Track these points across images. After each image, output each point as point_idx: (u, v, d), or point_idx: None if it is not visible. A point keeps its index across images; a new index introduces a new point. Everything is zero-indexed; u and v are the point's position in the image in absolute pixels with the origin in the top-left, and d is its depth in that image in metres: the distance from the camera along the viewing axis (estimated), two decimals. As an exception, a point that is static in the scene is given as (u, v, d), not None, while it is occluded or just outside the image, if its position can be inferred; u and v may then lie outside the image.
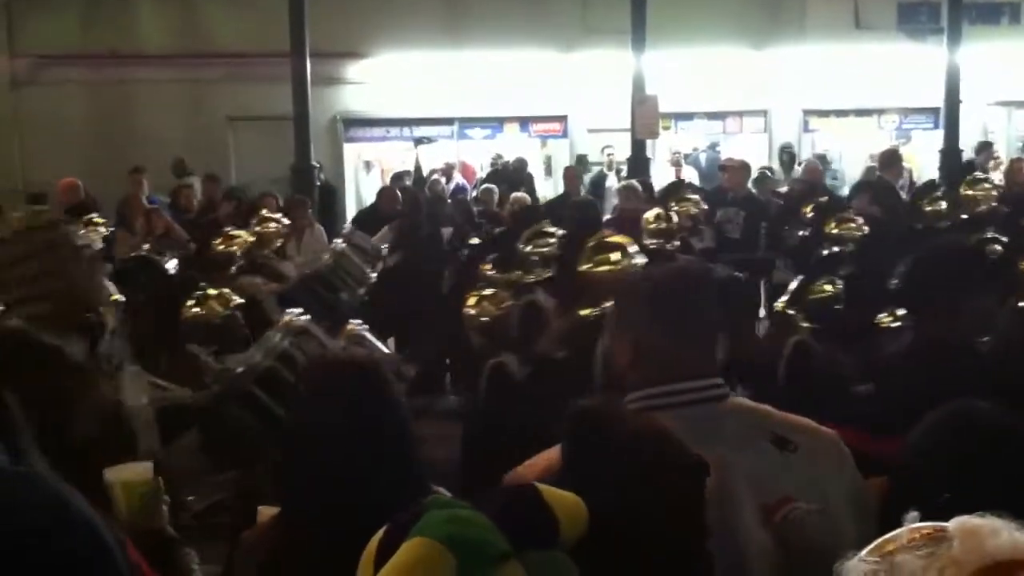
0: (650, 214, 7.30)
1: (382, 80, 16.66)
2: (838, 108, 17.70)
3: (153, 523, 2.44)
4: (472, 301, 4.95)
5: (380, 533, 1.26)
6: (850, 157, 17.49)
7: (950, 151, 14.22)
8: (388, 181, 14.37)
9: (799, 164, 13.29)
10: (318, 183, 13.37)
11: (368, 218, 10.24)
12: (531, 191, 13.11)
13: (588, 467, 1.39)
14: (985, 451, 1.92)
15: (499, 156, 16.37)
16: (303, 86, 13.04)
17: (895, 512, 1.13)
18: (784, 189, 11.51)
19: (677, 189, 9.95)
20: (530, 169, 15.69)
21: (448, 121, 17.32)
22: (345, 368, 2.10)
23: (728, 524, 2.02)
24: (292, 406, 2.09)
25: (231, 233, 7.13)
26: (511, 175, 14.42)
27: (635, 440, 1.62)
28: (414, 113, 17.01)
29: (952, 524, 1.03)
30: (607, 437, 1.59)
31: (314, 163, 13.39)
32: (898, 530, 1.07)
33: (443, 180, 13.63)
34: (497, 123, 17.53)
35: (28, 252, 3.12)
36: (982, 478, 1.78)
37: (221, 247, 6.91)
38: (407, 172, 14.76)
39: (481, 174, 16.16)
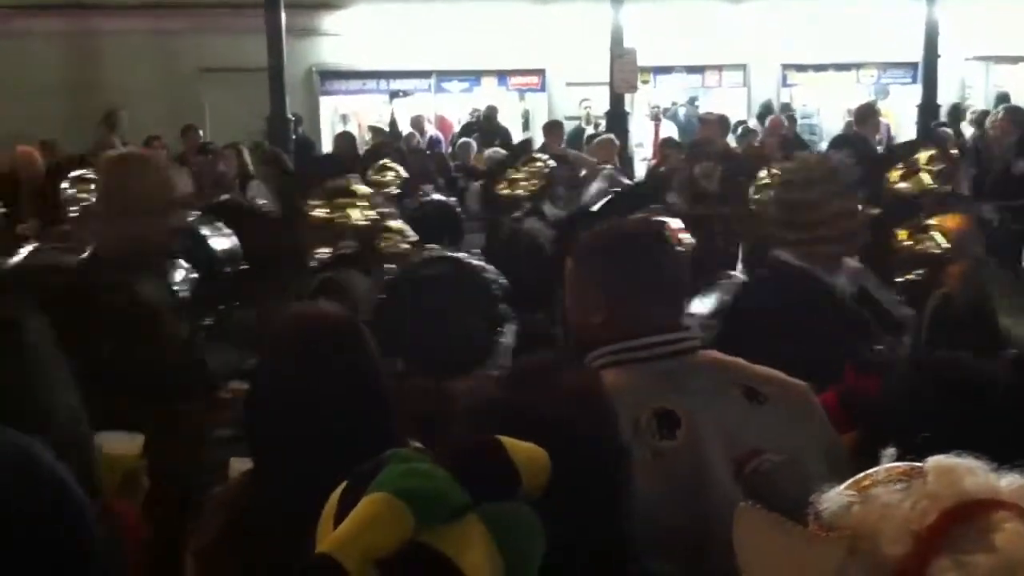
0: (923, 155, 7.24)
1: (358, 32, 16.49)
2: (817, 63, 17.67)
3: (131, 500, 2.42)
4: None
5: (340, 488, 1.26)
6: (828, 112, 17.49)
7: (927, 106, 14.23)
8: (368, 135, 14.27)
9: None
10: (294, 136, 13.27)
11: (329, 165, 10.26)
12: (506, 143, 13.04)
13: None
14: (961, 397, 1.93)
15: (477, 111, 16.28)
16: (277, 37, 12.91)
17: (869, 455, 1.12)
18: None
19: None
20: (508, 123, 15.59)
21: (425, 74, 17.18)
22: (322, 323, 2.07)
23: (700, 477, 2.03)
24: (266, 361, 2.05)
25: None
26: (484, 127, 14.31)
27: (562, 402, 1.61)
28: (391, 66, 16.86)
29: (928, 462, 1.02)
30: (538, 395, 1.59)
31: (290, 115, 13.28)
32: (875, 468, 1.07)
33: (417, 135, 13.55)
34: (475, 76, 17.42)
35: (832, 190, 3.19)
36: (957, 424, 1.79)
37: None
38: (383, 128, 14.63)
39: (458, 128, 16.06)
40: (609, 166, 7.89)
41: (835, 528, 1.02)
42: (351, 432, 1.84)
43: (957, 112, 13.36)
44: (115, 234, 3.19)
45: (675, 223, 5.21)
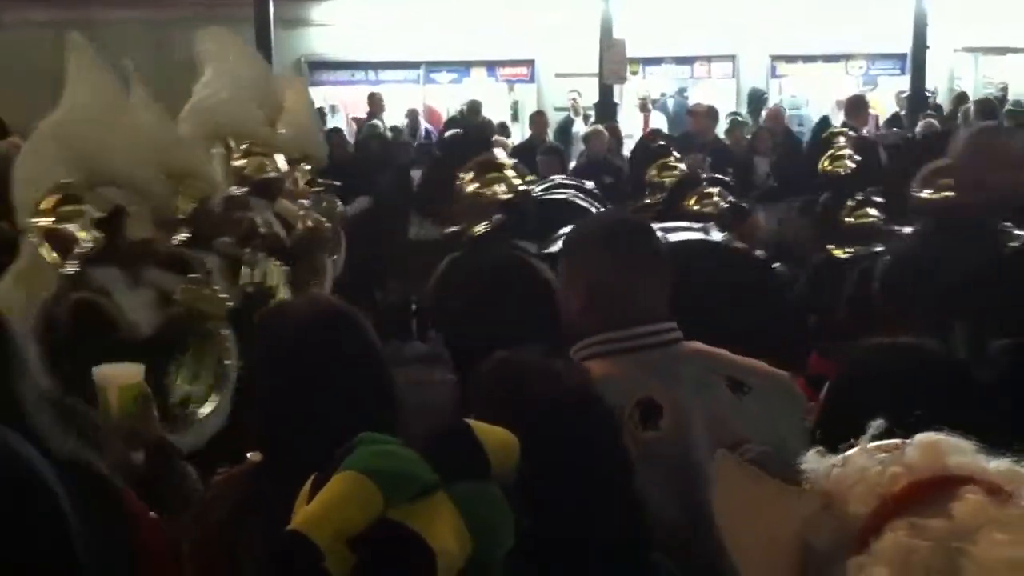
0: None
1: (347, 22, 16.44)
2: (806, 54, 17.67)
3: (145, 427, 2.47)
4: None
5: (313, 475, 1.28)
6: (817, 104, 17.49)
7: (916, 97, 14.26)
8: (353, 126, 14.21)
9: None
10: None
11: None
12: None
13: (502, 420, 1.39)
14: (921, 379, 1.96)
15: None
16: (266, 27, 12.89)
17: (826, 430, 1.14)
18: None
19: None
20: (497, 114, 15.53)
21: (414, 65, 17.13)
22: (325, 312, 2.06)
23: (684, 467, 2.05)
24: (270, 352, 2.03)
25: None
26: (468, 121, 14.18)
27: (550, 392, 1.63)
28: (380, 56, 16.80)
29: (916, 437, 1.03)
30: (521, 388, 1.61)
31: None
32: (863, 439, 1.09)
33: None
34: (464, 67, 17.37)
35: None
36: (917, 405, 1.81)
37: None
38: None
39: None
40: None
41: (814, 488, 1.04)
42: (363, 420, 1.84)
43: (961, 100, 13.44)
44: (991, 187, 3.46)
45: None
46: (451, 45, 16.61)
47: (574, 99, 15.63)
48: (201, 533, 1.95)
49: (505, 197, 4.47)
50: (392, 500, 1.20)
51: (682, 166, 6.86)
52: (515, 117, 17.31)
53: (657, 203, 6.58)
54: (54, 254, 3.41)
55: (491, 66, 17.43)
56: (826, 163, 7.04)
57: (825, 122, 10.94)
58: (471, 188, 4.51)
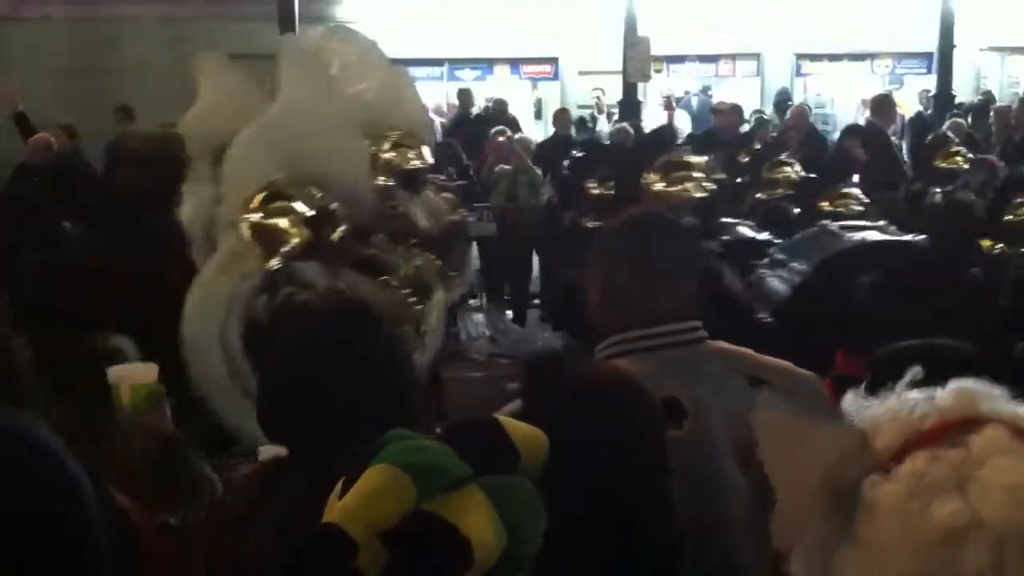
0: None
1: (371, 19, 16.46)
2: (831, 52, 17.58)
3: (158, 424, 2.49)
4: None
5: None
6: (842, 102, 17.41)
7: (943, 96, 14.16)
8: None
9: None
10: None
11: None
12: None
13: (541, 413, 1.38)
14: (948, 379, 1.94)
15: (490, 100, 16.18)
16: (290, 24, 12.91)
17: None
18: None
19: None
20: (520, 111, 15.52)
21: (438, 62, 17.15)
22: (341, 310, 2.05)
23: (707, 465, 2.03)
24: (290, 346, 2.02)
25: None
26: (494, 119, 14.20)
27: (589, 387, 1.62)
28: (403, 54, 16.80)
29: (949, 384, 1.05)
30: (561, 385, 1.60)
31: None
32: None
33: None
34: (487, 64, 17.38)
35: None
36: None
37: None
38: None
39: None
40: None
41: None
42: (383, 416, 1.82)
43: (989, 100, 13.36)
44: None
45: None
46: (475, 42, 16.62)
47: (598, 97, 15.61)
48: (214, 528, 1.95)
49: (694, 196, 4.61)
50: (425, 492, 1.19)
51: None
52: (538, 115, 17.30)
53: (771, 199, 6.64)
54: (261, 249, 3.41)
55: (515, 63, 17.43)
56: (940, 161, 7.13)
57: (846, 131, 10.87)
58: (658, 187, 4.65)
